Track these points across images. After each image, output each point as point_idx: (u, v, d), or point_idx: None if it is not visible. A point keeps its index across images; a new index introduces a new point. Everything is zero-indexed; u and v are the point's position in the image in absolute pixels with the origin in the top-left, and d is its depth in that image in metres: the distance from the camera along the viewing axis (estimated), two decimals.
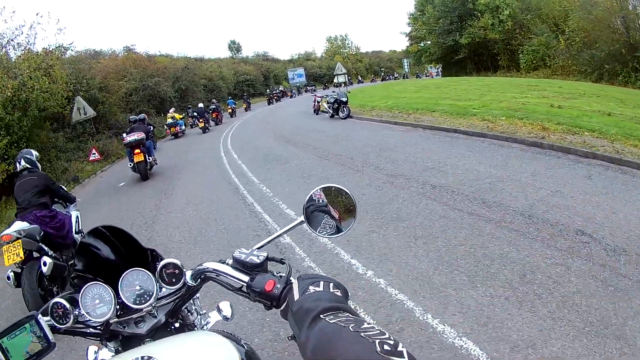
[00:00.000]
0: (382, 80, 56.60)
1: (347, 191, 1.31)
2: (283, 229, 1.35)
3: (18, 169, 5.43)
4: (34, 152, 5.59)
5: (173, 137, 22.42)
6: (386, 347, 0.64)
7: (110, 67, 29.41)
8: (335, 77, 31.86)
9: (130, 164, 11.49)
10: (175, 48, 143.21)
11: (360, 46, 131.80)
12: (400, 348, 0.64)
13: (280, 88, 46.36)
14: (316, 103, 20.06)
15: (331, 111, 17.07)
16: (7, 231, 4.63)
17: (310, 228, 1.32)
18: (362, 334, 0.68)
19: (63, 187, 5.89)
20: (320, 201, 1.33)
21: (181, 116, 24.40)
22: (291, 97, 45.55)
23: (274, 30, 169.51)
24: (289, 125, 17.94)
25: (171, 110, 23.70)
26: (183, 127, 23.33)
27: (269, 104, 38.67)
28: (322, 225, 1.32)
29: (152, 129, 16.90)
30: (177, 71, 34.51)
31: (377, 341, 0.65)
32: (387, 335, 0.68)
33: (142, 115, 14.36)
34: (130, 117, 14.20)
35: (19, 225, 4.72)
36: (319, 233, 1.32)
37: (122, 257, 1.36)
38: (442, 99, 16.70)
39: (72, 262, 4.83)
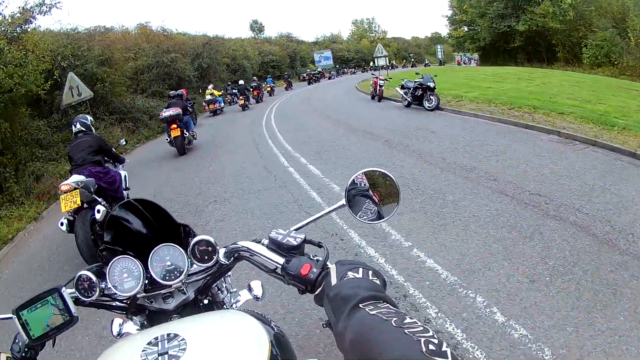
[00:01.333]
0: (412, 67, 56.17)
1: (391, 176, 1.31)
2: (323, 211, 1.35)
3: (74, 131, 6.15)
4: (89, 117, 6.38)
5: (211, 114, 22.72)
6: (431, 346, 0.63)
7: (118, 41, 26.24)
8: (375, 59, 30.80)
9: (167, 139, 11.81)
10: (193, 27, 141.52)
11: (387, 31, 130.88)
12: (444, 348, 0.63)
13: (318, 69, 47.20)
14: (378, 87, 17.41)
15: (409, 99, 14.07)
16: (66, 182, 5.18)
17: (351, 212, 1.31)
18: (405, 330, 0.67)
19: (114, 149, 6.69)
20: (362, 185, 1.33)
21: (220, 93, 24.59)
22: (330, 78, 46.86)
23: (297, 11, 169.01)
24: (345, 114, 15.23)
25: (210, 87, 24.07)
26: (222, 104, 23.61)
27: (308, 84, 40.56)
28: (364, 210, 1.32)
29: (191, 104, 17.23)
30: (197, 48, 31.40)
31: (422, 340, 0.64)
32: (430, 333, 0.66)
33: (181, 91, 14.51)
34: (170, 92, 14.45)
35: (77, 177, 5.29)
36: (359, 218, 1.31)
37: (153, 232, 1.38)
38: (549, 95, 13.38)
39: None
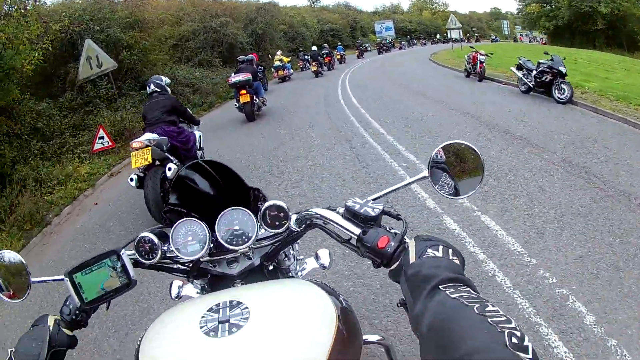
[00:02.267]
0: (476, 41, 54.96)
1: (475, 149, 1.22)
2: (403, 182, 1.28)
3: (148, 92, 6.32)
4: (164, 78, 6.55)
5: (280, 80, 22.55)
6: (514, 339, 0.60)
7: (160, 7, 22.85)
8: (448, 31, 30.77)
9: (236, 105, 11.84)
10: None
11: (448, 3, 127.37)
12: (526, 342, 0.60)
13: (387, 40, 46.83)
14: (479, 64, 14.76)
15: (530, 84, 11.30)
16: (138, 139, 5.33)
17: (432, 183, 1.24)
18: (489, 319, 0.64)
19: (189, 110, 6.87)
20: (439, 157, 1.26)
21: (289, 59, 24.56)
22: (400, 48, 46.99)
23: None
24: (440, 93, 13.02)
25: (279, 53, 23.92)
26: (291, 70, 23.54)
27: (379, 54, 40.47)
28: (441, 183, 1.25)
29: (262, 70, 17.32)
30: (251, 13, 28.77)
31: (505, 332, 0.61)
32: (513, 325, 0.63)
33: (251, 56, 14.38)
34: (239, 57, 14.25)
35: (149, 135, 5.44)
36: (438, 190, 1.24)
37: (222, 195, 1.38)
38: None
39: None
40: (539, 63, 10.97)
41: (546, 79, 10.67)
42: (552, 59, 10.71)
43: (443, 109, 10.44)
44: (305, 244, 3.63)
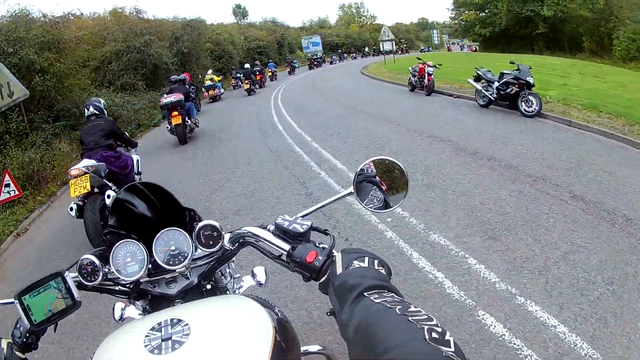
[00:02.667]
0: (402, 53, 56.70)
1: (400, 165, 1.33)
2: (330, 198, 1.37)
3: (86, 114, 6.31)
4: (102, 100, 6.64)
5: (211, 100, 22.40)
6: (434, 334, 0.65)
7: (86, 28, 22.16)
8: (380, 43, 30.88)
9: (168, 127, 11.61)
10: (170, 12, 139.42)
11: (376, 15, 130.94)
12: (447, 337, 0.65)
13: (317, 55, 48.11)
14: (426, 76, 14.04)
15: (491, 96, 10.74)
16: (76, 166, 5.26)
17: (358, 199, 1.34)
18: (409, 317, 0.69)
19: (126, 133, 6.95)
20: (369, 171, 1.35)
21: (219, 78, 24.28)
22: (331, 63, 48.21)
23: None
24: (386, 111, 12.24)
25: (209, 72, 23.73)
26: (222, 90, 23.48)
27: (310, 69, 41.41)
28: (370, 197, 1.35)
29: (194, 90, 17.10)
30: (177, 30, 27.48)
31: (425, 327, 0.66)
32: (434, 322, 0.68)
33: (183, 76, 14.19)
34: (171, 77, 13.98)
35: (87, 162, 5.40)
36: (365, 205, 1.34)
37: (158, 216, 1.41)
38: None
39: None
40: (503, 74, 10.39)
41: (511, 90, 10.05)
42: (518, 69, 10.05)
43: (403, 131, 9.48)
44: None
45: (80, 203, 5.43)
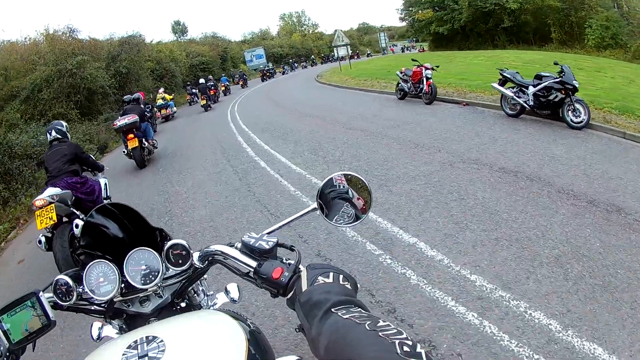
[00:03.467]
0: (350, 58, 57.49)
1: (363, 180, 1.40)
2: (295, 215, 1.44)
3: (49, 139, 6.21)
4: (64, 123, 6.49)
5: (164, 120, 22.05)
6: (406, 348, 0.67)
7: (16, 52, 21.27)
8: (334, 49, 29.96)
9: (124, 151, 11.34)
10: (107, 32, 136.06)
11: (318, 23, 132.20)
12: (419, 349, 0.67)
13: (269, 65, 48.77)
14: (425, 81, 12.33)
15: (525, 103, 9.21)
16: (40, 196, 5.14)
17: (323, 216, 1.40)
18: (379, 333, 0.71)
19: (91, 156, 6.74)
20: (342, 187, 1.41)
21: (171, 97, 23.92)
22: (283, 73, 49.15)
23: (220, 9, 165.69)
24: (369, 122, 11.11)
25: (161, 90, 23.51)
26: (174, 108, 23.16)
27: (262, 81, 41.22)
28: (341, 213, 1.40)
29: (150, 108, 16.73)
30: (114, 49, 25.91)
31: (396, 342, 0.69)
32: (404, 335, 0.71)
33: (137, 95, 13.76)
34: (125, 97, 13.56)
35: (52, 190, 5.29)
36: (335, 222, 1.39)
37: (129, 236, 1.47)
38: None
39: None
40: (541, 76, 8.89)
41: (555, 97, 8.50)
42: (562, 71, 8.47)
43: (439, 159, 7.23)
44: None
45: (49, 234, 5.34)
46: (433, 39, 49.11)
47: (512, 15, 37.05)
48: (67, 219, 5.35)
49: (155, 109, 21.64)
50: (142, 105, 13.30)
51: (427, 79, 12.26)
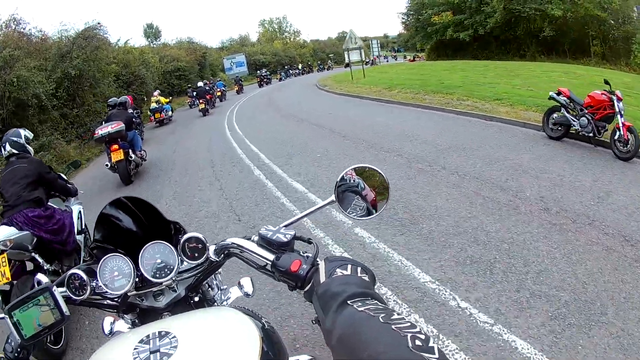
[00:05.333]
0: (328, 69, 60.34)
1: (380, 172, 1.49)
2: (312, 207, 1.54)
3: (4, 155, 5.17)
4: (23, 132, 5.26)
5: (157, 124, 22.12)
6: (417, 342, 0.69)
7: None
8: (346, 53, 27.69)
9: (107, 164, 10.27)
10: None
11: (300, 30, 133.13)
12: (431, 344, 0.70)
13: (264, 72, 47.85)
14: (620, 119, 7.90)
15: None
16: None
17: (340, 208, 1.50)
18: (392, 326, 0.74)
19: (62, 175, 5.76)
20: (352, 181, 1.50)
21: (167, 100, 24.12)
22: (280, 79, 50.50)
23: (195, 13, 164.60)
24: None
25: (156, 93, 23.48)
26: (170, 112, 23.29)
27: (260, 87, 42.79)
28: (353, 206, 1.50)
29: (138, 114, 16.44)
30: (65, 45, 20.11)
31: (408, 335, 0.71)
32: (417, 329, 0.73)
33: (124, 98, 12.81)
34: (110, 100, 12.54)
35: (5, 231, 4.24)
36: (348, 214, 1.50)
37: (143, 229, 1.59)
38: None
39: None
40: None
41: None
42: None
43: None
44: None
45: (6, 288, 4.15)
46: (434, 47, 48.29)
47: (553, 24, 35.26)
48: (32, 268, 4.37)
49: (148, 112, 22.10)
50: (129, 111, 12.48)
51: (619, 113, 8.21)
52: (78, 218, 5.41)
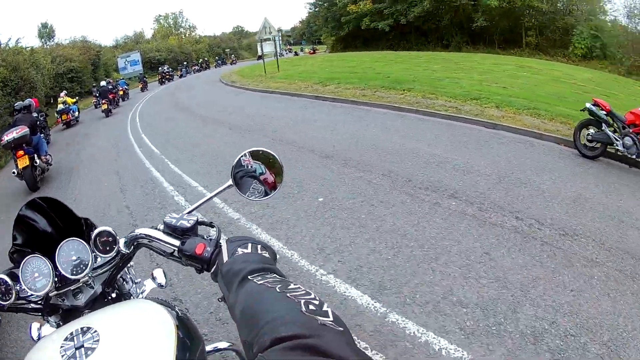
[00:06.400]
0: (232, 63, 60.87)
1: (274, 154, 1.56)
2: (212, 192, 1.59)
3: None
4: None
5: (64, 126, 21.87)
6: (311, 306, 0.80)
7: None
8: (259, 44, 25.81)
9: (14, 172, 10.26)
10: None
11: (196, 25, 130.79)
12: (325, 308, 0.81)
13: (165, 68, 47.07)
14: None
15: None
16: None
17: (239, 192, 1.57)
18: (288, 294, 0.85)
19: None
20: (249, 167, 1.56)
21: (74, 100, 23.14)
22: (181, 76, 50.34)
23: (89, 10, 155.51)
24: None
25: (62, 94, 22.71)
26: (77, 113, 23.14)
27: (160, 84, 42.54)
28: (251, 190, 1.56)
29: (43, 117, 15.92)
30: None
31: (302, 301, 0.82)
32: (312, 296, 0.85)
33: (29, 101, 12.65)
34: (15, 104, 12.43)
35: None
36: (248, 197, 1.57)
37: (58, 229, 1.61)
38: None
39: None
40: None
41: None
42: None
43: None
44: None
45: None
46: (340, 39, 48.00)
47: (487, 14, 35.10)
48: None
49: (55, 114, 21.38)
50: (34, 114, 12.39)
51: None
52: None
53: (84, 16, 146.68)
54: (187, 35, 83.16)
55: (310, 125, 12.52)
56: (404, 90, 15.13)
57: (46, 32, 57.54)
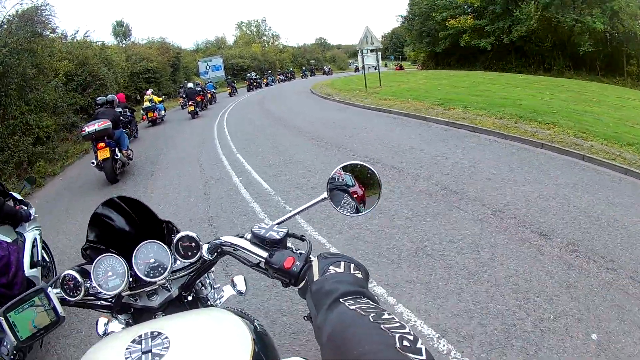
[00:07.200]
0: (311, 75, 62.41)
1: (372, 169, 1.57)
2: (305, 204, 1.61)
3: None
4: None
5: (150, 123, 22.91)
6: (405, 342, 0.76)
7: None
8: (360, 53, 23.68)
9: (93, 162, 10.86)
10: None
11: (279, 34, 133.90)
12: (419, 345, 0.76)
13: (253, 75, 49.25)
14: None
15: None
16: None
17: (332, 204, 1.59)
18: (381, 325, 0.81)
19: (16, 194, 4.98)
20: (340, 180, 1.60)
21: (161, 99, 24.50)
22: (267, 84, 51.55)
23: (168, 13, 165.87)
24: None
25: (149, 92, 23.84)
26: (163, 112, 24.12)
27: (248, 91, 44.03)
28: (342, 204, 1.59)
29: (130, 113, 16.93)
30: None
31: (396, 335, 0.77)
32: (407, 330, 0.80)
33: (112, 96, 13.35)
34: (98, 98, 13.12)
35: None
36: (340, 211, 1.59)
37: (136, 229, 1.68)
38: None
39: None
40: None
41: None
42: None
43: None
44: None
45: None
46: (431, 56, 47.29)
47: (593, 38, 33.86)
48: None
49: (141, 111, 22.35)
50: (117, 109, 12.99)
51: None
52: (33, 247, 4.62)
53: (162, 18, 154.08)
54: (270, 43, 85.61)
55: (500, 178, 7.81)
56: (547, 124, 11.62)
57: (121, 30, 57.15)
